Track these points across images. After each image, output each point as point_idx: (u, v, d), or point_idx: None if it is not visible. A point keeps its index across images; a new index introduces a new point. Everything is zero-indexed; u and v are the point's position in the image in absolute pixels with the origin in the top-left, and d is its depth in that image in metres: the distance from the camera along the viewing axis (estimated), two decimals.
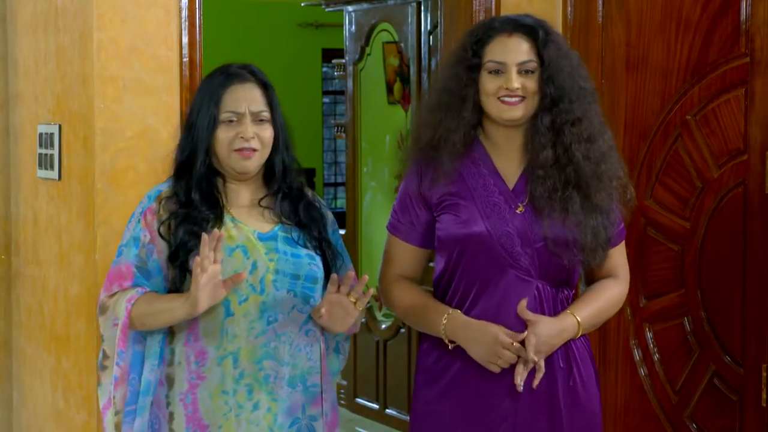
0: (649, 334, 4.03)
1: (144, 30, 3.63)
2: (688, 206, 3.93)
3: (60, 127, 3.88)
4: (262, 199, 2.84)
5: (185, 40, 3.68)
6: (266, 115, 2.79)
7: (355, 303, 2.72)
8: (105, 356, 2.78)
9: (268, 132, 2.79)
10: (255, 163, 2.78)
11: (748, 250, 3.79)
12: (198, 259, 2.59)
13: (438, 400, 2.86)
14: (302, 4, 7.42)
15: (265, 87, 2.81)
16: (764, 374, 3.75)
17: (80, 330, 3.78)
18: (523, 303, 2.75)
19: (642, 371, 4.04)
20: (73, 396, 3.85)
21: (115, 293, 2.75)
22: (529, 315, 2.75)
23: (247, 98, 2.77)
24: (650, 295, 4.02)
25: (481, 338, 2.75)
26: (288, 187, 2.86)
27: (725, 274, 3.86)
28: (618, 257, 2.94)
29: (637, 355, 4.04)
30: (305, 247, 2.82)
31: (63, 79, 3.85)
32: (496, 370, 2.75)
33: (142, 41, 3.63)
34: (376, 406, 6.21)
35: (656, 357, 4.02)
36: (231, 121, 2.76)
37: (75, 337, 3.82)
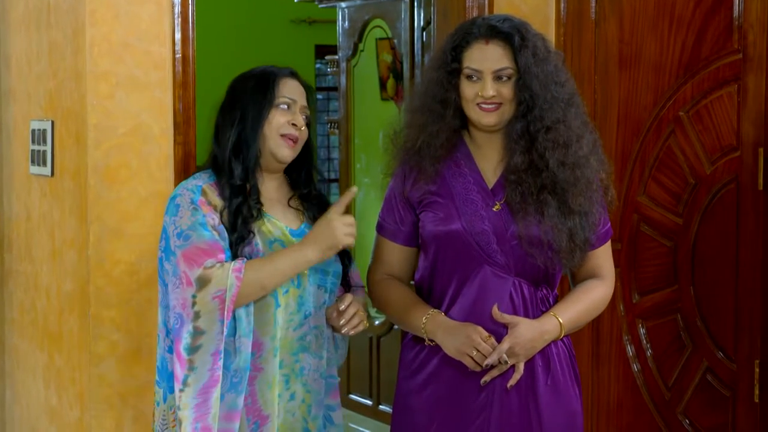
0: (641, 330, 4.03)
1: (137, 26, 3.62)
2: (681, 202, 3.94)
3: (53, 123, 3.87)
4: (290, 199, 2.94)
5: (178, 36, 3.68)
6: (308, 112, 2.92)
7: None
8: (198, 333, 2.73)
9: (307, 130, 2.91)
10: (294, 153, 2.90)
11: (740, 246, 3.80)
12: (340, 207, 2.80)
13: (416, 394, 2.90)
14: (295, 0, 7.41)
15: (309, 90, 2.95)
16: (757, 370, 3.76)
17: (73, 326, 3.77)
18: (496, 308, 2.78)
19: (635, 367, 4.04)
20: (65, 393, 3.84)
21: (212, 266, 2.73)
22: (506, 318, 2.78)
23: (299, 91, 2.91)
24: (643, 291, 4.03)
25: (457, 331, 2.79)
26: (313, 191, 2.98)
27: (718, 270, 3.86)
28: (602, 258, 2.95)
29: (630, 351, 4.05)
30: None
31: (55, 75, 3.85)
32: (470, 364, 2.77)
33: (135, 37, 3.62)
34: (369, 402, 6.21)
35: (649, 353, 4.02)
36: (286, 106, 2.87)
37: (68, 334, 3.82)
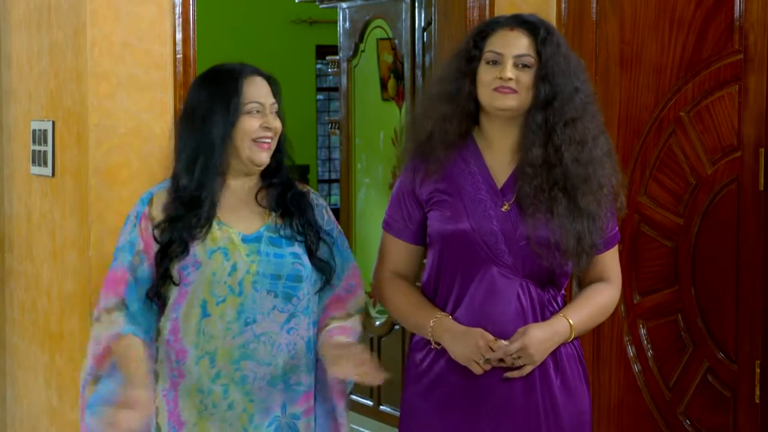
0: (642, 331, 4.03)
1: (137, 26, 3.62)
2: (682, 203, 3.94)
3: (53, 123, 3.87)
4: (257, 193, 2.86)
5: (179, 36, 3.68)
6: (276, 108, 2.84)
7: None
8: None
9: (280, 124, 2.84)
10: (269, 154, 2.83)
11: (741, 246, 3.79)
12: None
13: (423, 396, 2.89)
14: (296, 1, 7.41)
15: (271, 81, 2.85)
16: (758, 370, 3.76)
17: (74, 327, 3.77)
18: (500, 342, 2.77)
19: (636, 368, 4.04)
20: (66, 393, 3.84)
21: (109, 310, 2.79)
22: (512, 340, 2.76)
23: (263, 91, 2.82)
24: (644, 291, 4.02)
25: (464, 338, 2.78)
26: (281, 182, 2.88)
27: (719, 271, 3.86)
28: (610, 261, 2.95)
29: (630, 351, 4.04)
30: (290, 244, 2.83)
31: (56, 75, 3.85)
32: (477, 369, 2.77)
33: (136, 37, 3.62)
34: (370, 402, 6.21)
35: (650, 353, 4.02)
36: (257, 111, 2.79)
37: (69, 334, 3.82)
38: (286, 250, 2.82)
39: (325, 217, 2.93)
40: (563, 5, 4.12)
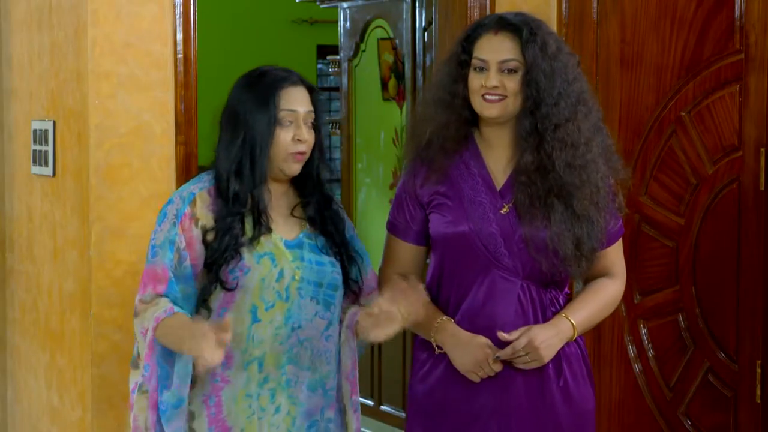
0: (643, 331, 4.03)
1: (138, 26, 3.62)
2: (683, 202, 3.94)
3: (54, 123, 3.87)
4: (294, 208, 2.86)
5: (180, 36, 3.68)
6: (312, 118, 2.82)
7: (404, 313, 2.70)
8: (138, 355, 2.78)
9: (313, 136, 2.82)
10: (302, 164, 2.82)
11: (742, 246, 3.79)
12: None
13: (427, 397, 2.90)
14: (297, 1, 7.41)
15: (311, 91, 2.84)
16: (758, 370, 3.76)
17: (74, 326, 3.77)
18: (501, 333, 2.75)
19: (636, 367, 4.04)
20: (67, 393, 3.85)
21: (150, 300, 2.72)
22: (514, 334, 2.75)
23: (300, 100, 2.80)
24: (645, 291, 4.02)
25: (466, 349, 2.77)
26: (320, 196, 2.88)
27: (720, 271, 3.86)
28: (614, 256, 2.94)
29: (631, 351, 4.04)
30: (327, 254, 2.85)
31: (57, 75, 3.85)
32: (476, 380, 2.78)
33: (137, 37, 3.62)
34: (371, 402, 6.21)
35: (651, 353, 4.02)
36: (289, 122, 2.78)
37: (69, 334, 3.82)
38: (325, 258, 2.84)
39: (348, 228, 2.95)
40: (564, 5, 4.12)
